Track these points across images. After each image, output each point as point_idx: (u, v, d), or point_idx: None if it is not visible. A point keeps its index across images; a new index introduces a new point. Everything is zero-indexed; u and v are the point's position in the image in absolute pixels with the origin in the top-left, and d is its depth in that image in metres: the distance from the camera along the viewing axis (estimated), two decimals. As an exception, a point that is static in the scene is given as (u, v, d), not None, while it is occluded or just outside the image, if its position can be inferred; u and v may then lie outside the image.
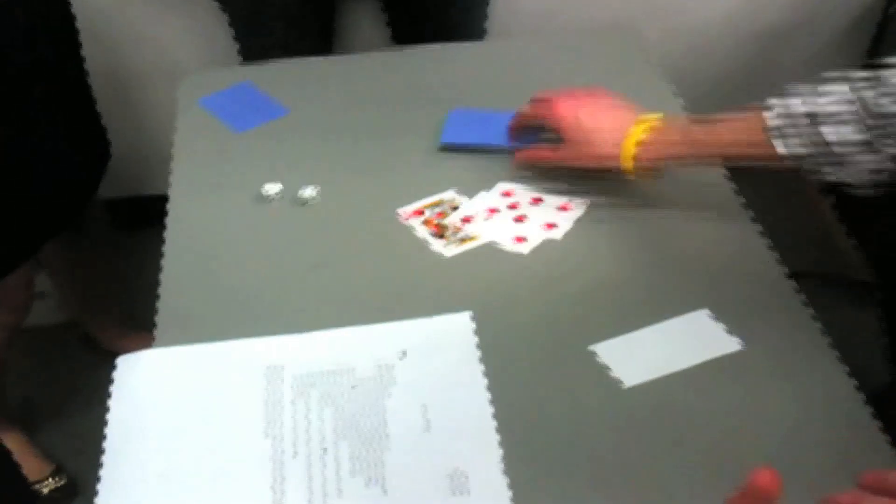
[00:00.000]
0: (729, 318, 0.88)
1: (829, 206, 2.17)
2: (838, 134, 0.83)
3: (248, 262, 0.99)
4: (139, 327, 1.80)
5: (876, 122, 0.81)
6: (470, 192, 1.06)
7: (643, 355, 0.85)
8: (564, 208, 1.03)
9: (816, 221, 2.16)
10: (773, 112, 0.87)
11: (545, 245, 0.99)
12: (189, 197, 1.09)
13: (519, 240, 0.99)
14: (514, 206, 1.04)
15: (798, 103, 0.86)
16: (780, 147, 0.87)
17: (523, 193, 1.05)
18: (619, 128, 0.99)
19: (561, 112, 1.03)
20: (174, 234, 1.04)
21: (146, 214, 1.79)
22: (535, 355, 0.87)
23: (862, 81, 0.83)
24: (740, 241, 0.99)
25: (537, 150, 1.08)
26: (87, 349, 1.91)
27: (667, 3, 1.97)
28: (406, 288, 0.95)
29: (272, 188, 1.07)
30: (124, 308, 1.89)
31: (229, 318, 0.93)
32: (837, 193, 2.06)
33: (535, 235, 1.00)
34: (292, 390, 0.85)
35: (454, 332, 0.89)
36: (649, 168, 0.99)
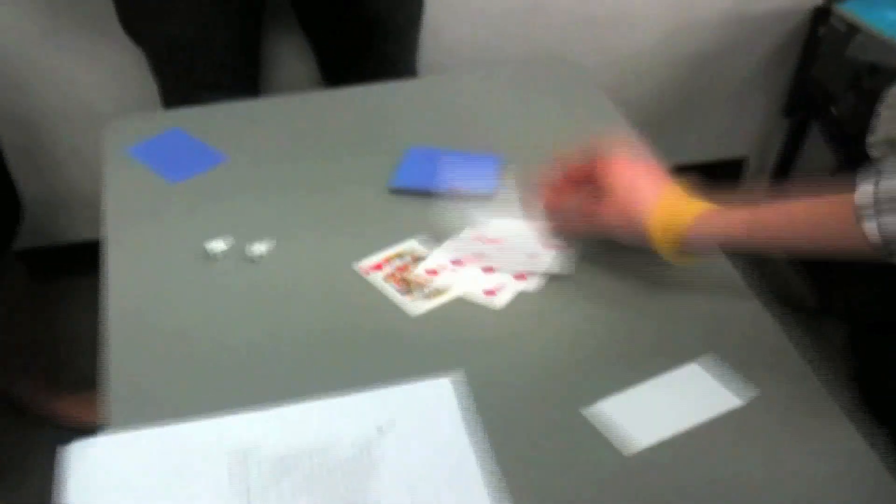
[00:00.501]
0: (723, 368, 0.84)
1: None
2: None
3: (199, 329, 0.91)
4: (70, 385, 1.68)
5: None
6: (430, 241, 1.00)
7: (640, 418, 0.80)
8: (533, 257, 0.98)
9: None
10: (867, 189, 0.77)
11: (520, 297, 0.93)
12: (128, 258, 1.00)
13: (491, 293, 0.93)
14: (481, 255, 0.98)
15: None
16: (871, 231, 0.76)
17: (488, 241, 1.00)
18: (652, 204, 0.89)
19: (617, 167, 0.91)
20: (116, 299, 0.94)
21: (65, 263, 1.69)
22: (525, 423, 0.81)
23: None
24: (718, 278, 0.95)
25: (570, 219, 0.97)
26: (15, 416, 1.76)
27: (599, 30, 1.96)
28: (376, 351, 0.88)
29: (218, 245, 0.99)
30: (50, 365, 1.75)
31: (185, 392, 0.84)
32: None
33: (507, 287, 0.94)
34: (261, 478, 0.77)
35: (435, 400, 0.82)
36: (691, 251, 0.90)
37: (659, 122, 2.12)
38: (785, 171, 2.12)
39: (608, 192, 0.91)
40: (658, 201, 0.89)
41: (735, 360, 0.85)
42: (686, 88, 2.09)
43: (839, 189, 0.79)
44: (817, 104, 1.70)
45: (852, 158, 1.68)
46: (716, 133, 2.13)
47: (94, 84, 1.81)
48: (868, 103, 1.50)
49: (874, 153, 1.51)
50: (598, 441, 0.79)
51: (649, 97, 2.09)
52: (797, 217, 0.82)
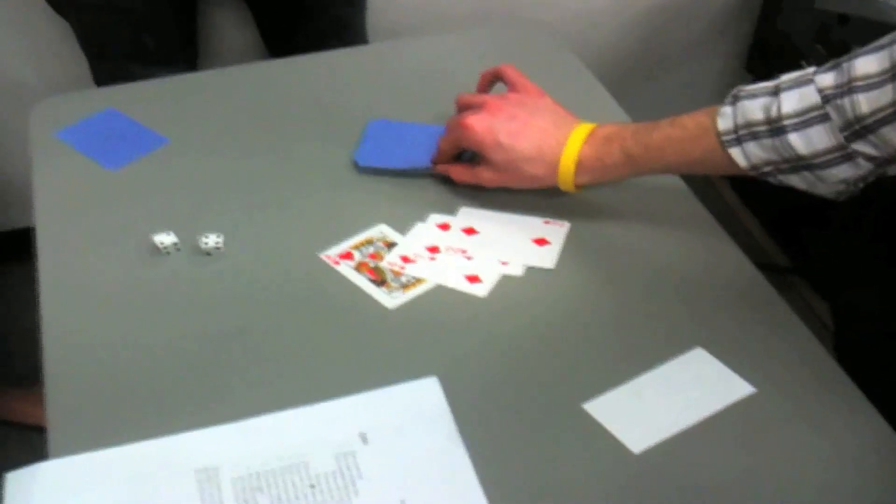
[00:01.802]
0: (728, 353, 0.78)
1: (728, 184, 2.14)
2: (808, 142, 0.74)
3: (151, 333, 0.81)
4: (16, 379, 1.57)
5: (849, 126, 0.72)
6: (402, 225, 0.92)
7: (646, 412, 0.73)
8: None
9: (716, 200, 2.13)
10: (727, 119, 0.78)
11: (504, 283, 0.85)
12: (64, 257, 0.89)
13: (473, 279, 0.86)
14: (462, 236, 0.90)
15: (757, 109, 0.76)
16: (741, 161, 0.78)
17: (462, 222, 0.92)
18: (550, 148, 0.87)
19: (480, 136, 0.89)
20: (52, 304, 0.84)
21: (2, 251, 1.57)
22: (521, 423, 0.73)
23: (828, 79, 0.74)
24: (717, 256, 0.89)
25: (456, 169, 0.95)
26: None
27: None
28: (352, 350, 0.80)
29: (167, 238, 0.89)
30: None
31: (140, 405, 0.75)
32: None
33: (490, 272, 0.86)
34: (234, 499, 0.69)
35: (421, 403, 0.75)
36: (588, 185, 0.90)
37: (618, 80, 2.05)
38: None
39: (489, 162, 0.90)
40: (548, 166, 0.88)
41: (740, 344, 0.79)
42: (644, 45, 2.02)
43: (704, 118, 0.81)
44: (783, 58, 1.65)
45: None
46: (677, 89, 2.07)
47: (21, 59, 1.68)
48: (839, 56, 1.45)
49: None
50: (603, 437, 0.72)
51: (607, 54, 2.02)
52: (667, 151, 0.83)
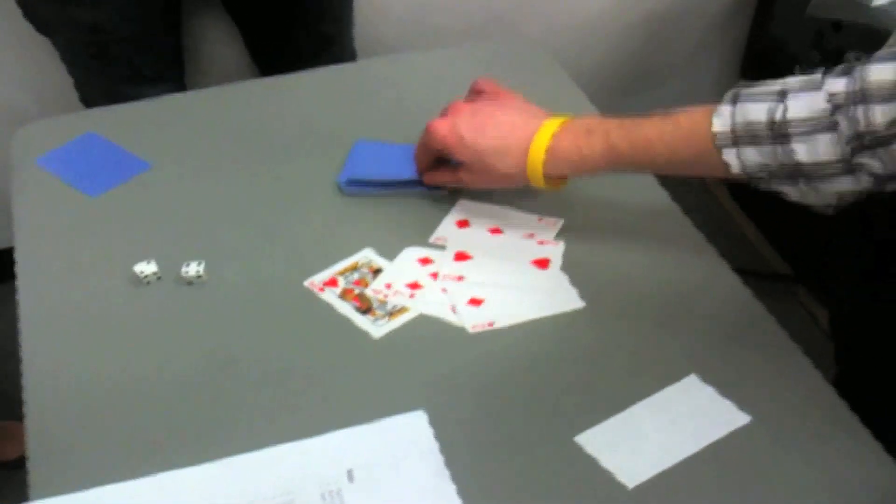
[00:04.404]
0: (722, 380, 0.76)
1: (726, 190, 2.12)
2: (812, 151, 0.70)
3: (134, 367, 0.79)
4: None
5: (858, 137, 0.68)
6: (388, 249, 0.90)
7: (639, 444, 0.71)
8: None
9: (715, 208, 2.11)
10: (724, 119, 0.73)
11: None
12: (44, 286, 0.87)
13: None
14: (454, 276, 0.88)
15: (760, 111, 0.71)
16: (733, 164, 0.73)
17: (448, 252, 0.90)
18: (518, 140, 0.84)
19: (442, 136, 0.87)
20: (31, 338, 0.82)
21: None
22: (511, 458, 0.71)
23: (838, 86, 0.68)
24: (709, 277, 0.87)
25: (437, 173, 0.93)
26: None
27: (542, 0, 1.85)
28: (337, 382, 0.78)
29: (147, 268, 0.87)
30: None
31: (118, 444, 0.73)
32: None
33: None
34: (216, 542, 0.67)
35: (409, 437, 0.73)
36: (562, 180, 0.87)
37: (611, 91, 2.03)
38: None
39: (459, 162, 0.88)
40: (517, 158, 0.84)
41: (735, 370, 0.77)
42: (638, 55, 2.00)
43: (698, 115, 0.76)
44: (777, 64, 1.63)
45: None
46: (671, 98, 2.04)
47: (7, 80, 1.66)
48: (834, 62, 1.43)
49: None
50: (595, 472, 0.70)
51: (599, 65, 2.00)
52: (655, 145, 0.78)
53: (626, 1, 1.90)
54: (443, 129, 0.87)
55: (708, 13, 1.99)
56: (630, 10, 1.93)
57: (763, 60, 1.81)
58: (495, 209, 0.94)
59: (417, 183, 0.95)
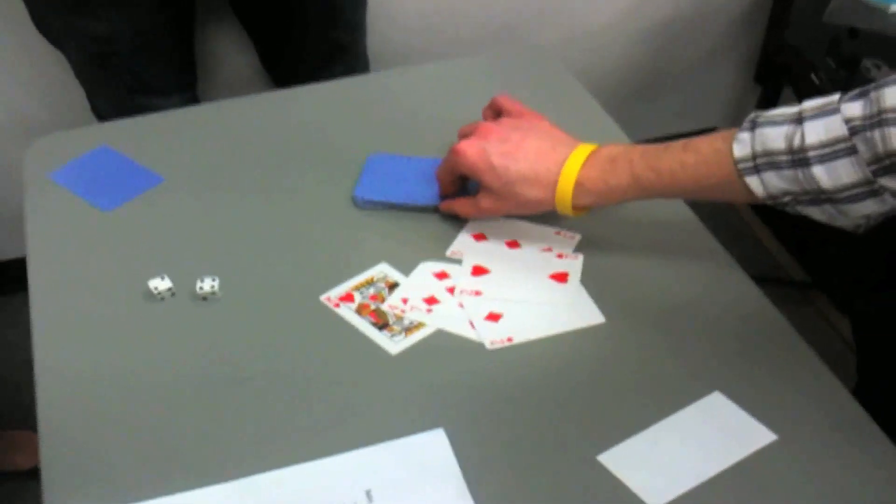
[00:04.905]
0: (747, 397, 0.74)
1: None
2: (832, 175, 0.69)
3: (148, 385, 0.78)
4: (4, 423, 1.53)
5: (878, 160, 0.67)
6: (404, 264, 0.89)
7: (664, 463, 0.70)
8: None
9: (731, 215, 2.09)
10: (745, 146, 0.73)
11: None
12: (58, 300, 0.87)
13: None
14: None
15: (778, 138, 0.71)
16: (758, 190, 0.74)
17: (465, 267, 0.89)
18: (546, 168, 0.83)
19: (472, 161, 0.86)
20: (45, 350, 0.82)
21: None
22: (533, 477, 0.70)
23: (855, 109, 0.68)
24: (732, 292, 0.85)
25: (459, 203, 0.92)
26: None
27: (556, 8, 1.84)
28: (354, 400, 0.77)
29: (161, 284, 0.86)
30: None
31: (135, 458, 0.72)
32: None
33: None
34: (234, 565, 0.66)
35: (428, 457, 0.72)
36: (589, 209, 0.86)
37: (625, 96, 2.02)
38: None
39: (484, 187, 0.87)
40: (546, 188, 0.84)
41: (760, 386, 0.75)
42: (652, 61, 1.99)
43: (720, 143, 0.76)
44: (793, 71, 1.62)
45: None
46: (685, 104, 2.04)
47: (20, 92, 1.66)
48: (849, 70, 1.42)
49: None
50: (619, 491, 0.68)
51: (614, 71, 1.99)
52: (680, 175, 0.78)
53: (638, 8, 1.89)
54: (472, 153, 0.86)
55: (722, 20, 1.98)
56: (643, 17, 1.92)
57: (778, 68, 1.79)
58: (511, 222, 0.93)
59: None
